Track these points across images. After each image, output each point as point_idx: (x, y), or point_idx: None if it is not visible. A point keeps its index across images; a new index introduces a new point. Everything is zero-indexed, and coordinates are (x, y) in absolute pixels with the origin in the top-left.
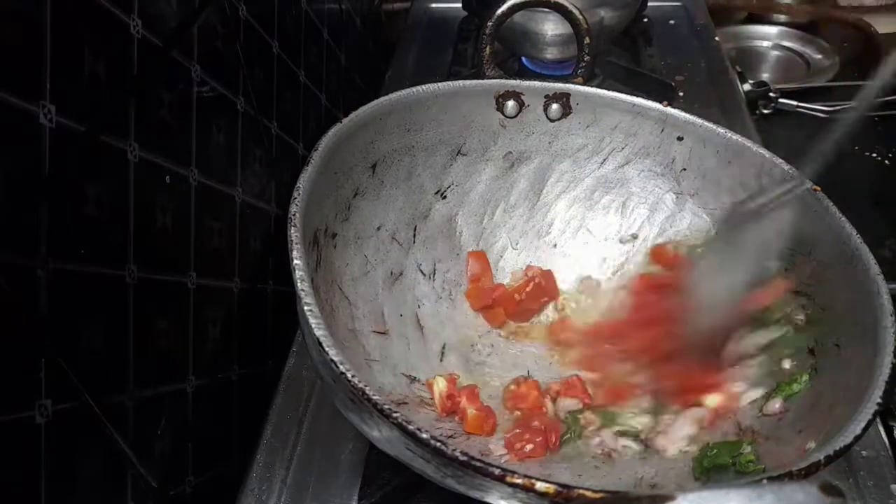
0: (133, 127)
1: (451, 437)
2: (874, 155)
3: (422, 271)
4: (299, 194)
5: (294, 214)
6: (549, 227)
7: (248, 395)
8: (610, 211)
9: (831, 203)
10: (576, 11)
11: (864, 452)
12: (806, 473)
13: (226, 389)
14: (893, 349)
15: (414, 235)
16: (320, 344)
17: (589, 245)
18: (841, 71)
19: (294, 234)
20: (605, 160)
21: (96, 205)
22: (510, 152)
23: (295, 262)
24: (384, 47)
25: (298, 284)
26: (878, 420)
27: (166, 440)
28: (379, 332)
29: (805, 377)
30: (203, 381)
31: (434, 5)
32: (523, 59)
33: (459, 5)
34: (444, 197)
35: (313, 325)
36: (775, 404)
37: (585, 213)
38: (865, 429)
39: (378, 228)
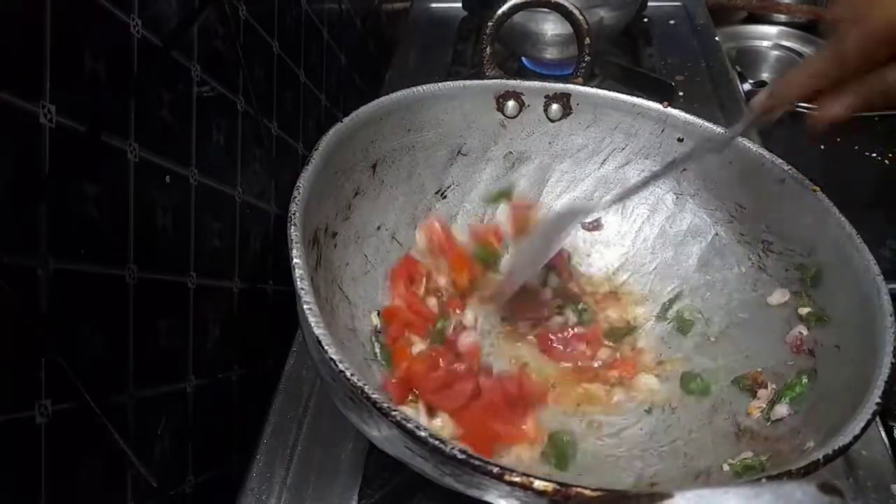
0: (133, 127)
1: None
2: (874, 155)
3: None
4: (299, 193)
5: (294, 213)
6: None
7: (248, 395)
8: (610, 211)
9: (831, 203)
10: (576, 11)
11: (863, 452)
12: (805, 473)
13: (226, 389)
14: (893, 349)
15: (414, 235)
16: (320, 343)
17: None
18: None
19: (294, 233)
20: (605, 160)
21: (96, 205)
22: (510, 152)
23: (295, 260)
24: (384, 47)
25: (298, 283)
26: (877, 420)
27: (166, 440)
28: (378, 331)
29: (805, 378)
30: (203, 381)
31: (434, 5)
32: (523, 59)
33: (459, 5)
34: (445, 197)
35: (313, 324)
36: (782, 409)
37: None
38: (864, 428)
39: (378, 228)
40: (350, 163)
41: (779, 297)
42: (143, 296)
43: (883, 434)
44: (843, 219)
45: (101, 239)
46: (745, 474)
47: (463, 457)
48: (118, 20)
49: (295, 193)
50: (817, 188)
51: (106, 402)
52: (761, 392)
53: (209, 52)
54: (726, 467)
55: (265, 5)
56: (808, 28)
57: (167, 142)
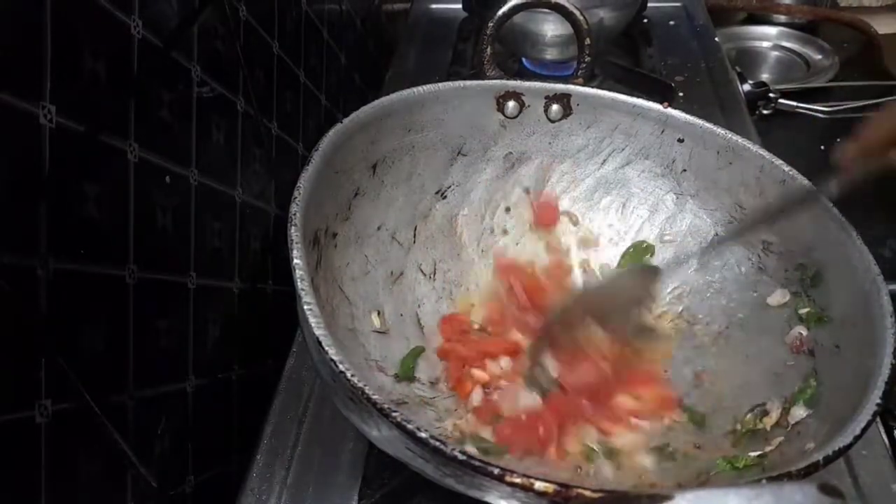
0: (133, 127)
1: (448, 436)
2: None
3: (422, 271)
4: (300, 194)
5: (294, 214)
6: (549, 227)
7: (248, 395)
8: (610, 211)
9: (831, 204)
10: (576, 12)
11: (863, 452)
12: (805, 474)
13: (226, 389)
14: (893, 350)
15: (414, 235)
16: (320, 343)
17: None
18: (840, 71)
19: (294, 233)
20: (605, 161)
21: (96, 205)
22: (510, 153)
23: (295, 261)
24: (384, 47)
25: (298, 284)
26: (877, 420)
27: (166, 440)
28: (379, 332)
29: (813, 381)
30: (203, 381)
31: (434, 6)
32: (523, 59)
33: (459, 6)
34: (445, 197)
35: (313, 325)
36: (799, 411)
37: (585, 214)
38: (865, 429)
39: (378, 228)
40: (350, 163)
41: (779, 297)
42: (143, 296)
43: (883, 434)
44: (842, 219)
45: (101, 239)
46: (746, 474)
47: (464, 458)
48: (118, 20)
49: (295, 194)
50: (816, 188)
51: (106, 402)
52: (770, 407)
53: (209, 53)
54: (728, 467)
55: (265, 6)
56: (808, 29)
57: (167, 142)
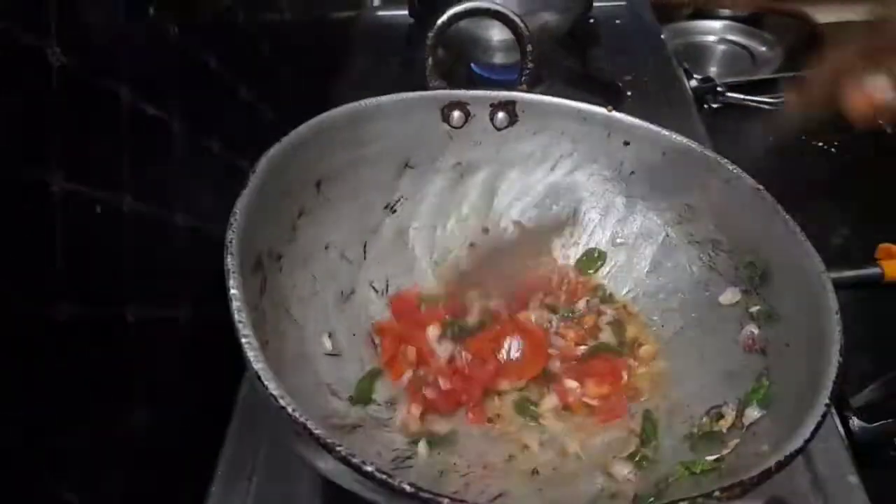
0: (58, 157)
1: (407, 457)
2: (821, 144)
3: (374, 288)
4: (236, 220)
5: (231, 241)
6: (501, 236)
7: (202, 427)
8: (561, 217)
9: (775, 201)
10: (516, 19)
11: (820, 444)
12: (758, 481)
13: (181, 421)
14: (839, 347)
15: (364, 252)
16: (259, 377)
17: None
18: (785, 62)
19: (231, 262)
20: (554, 167)
21: (21, 242)
22: (459, 163)
23: (232, 291)
24: (331, 58)
25: (236, 315)
26: (833, 412)
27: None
28: (331, 354)
29: (765, 380)
30: (157, 411)
31: (381, 13)
32: (473, 64)
33: (406, 13)
34: (394, 211)
35: (252, 358)
36: (753, 412)
37: (537, 221)
38: (815, 431)
39: (326, 247)
40: (293, 182)
41: (730, 296)
42: (79, 333)
43: (839, 425)
44: (787, 216)
45: (29, 275)
46: (704, 480)
47: (412, 490)
48: (36, 50)
49: (231, 220)
50: (761, 187)
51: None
52: (725, 410)
53: (140, 73)
54: (686, 473)
55: (199, 19)
56: (752, 21)
57: (97, 170)
